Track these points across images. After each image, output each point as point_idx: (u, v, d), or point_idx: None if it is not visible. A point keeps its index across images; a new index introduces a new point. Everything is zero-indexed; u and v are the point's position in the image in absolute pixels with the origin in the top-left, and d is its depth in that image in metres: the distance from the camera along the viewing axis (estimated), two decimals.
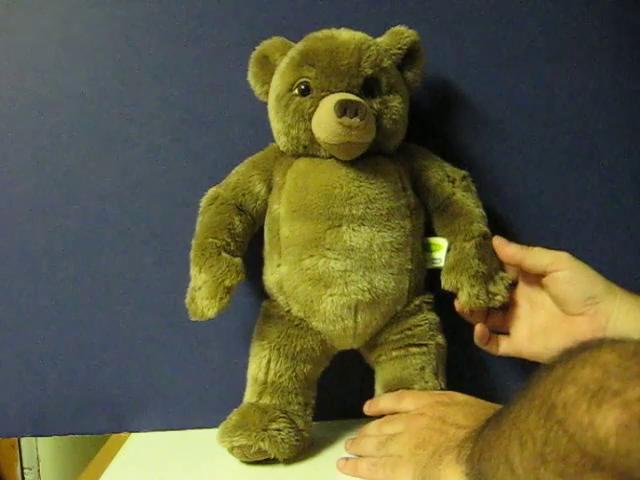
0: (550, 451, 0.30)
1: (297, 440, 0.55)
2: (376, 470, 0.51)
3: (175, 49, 0.65)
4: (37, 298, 0.66)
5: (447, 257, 0.58)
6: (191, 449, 0.61)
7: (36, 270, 0.65)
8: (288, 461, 0.55)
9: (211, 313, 0.53)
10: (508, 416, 0.35)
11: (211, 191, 0.58)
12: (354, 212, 0.54)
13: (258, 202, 0.58)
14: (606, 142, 0.67)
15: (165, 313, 0.65)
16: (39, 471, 0.99)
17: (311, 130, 0.54)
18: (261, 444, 0.53)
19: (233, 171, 0.59)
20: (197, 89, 0.65)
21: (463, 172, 0.61)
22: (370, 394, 0.61)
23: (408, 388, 0.57)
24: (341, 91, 0.53)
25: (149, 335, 0.66)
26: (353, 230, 0.54)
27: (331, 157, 0.55)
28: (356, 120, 0.50)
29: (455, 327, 0.60)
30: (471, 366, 0.66)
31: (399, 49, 0.57)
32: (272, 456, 0.54)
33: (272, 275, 0.57)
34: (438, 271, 0.59)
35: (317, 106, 0.54)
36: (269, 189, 0.58)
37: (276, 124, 0.57)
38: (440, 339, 0.59)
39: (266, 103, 0.59)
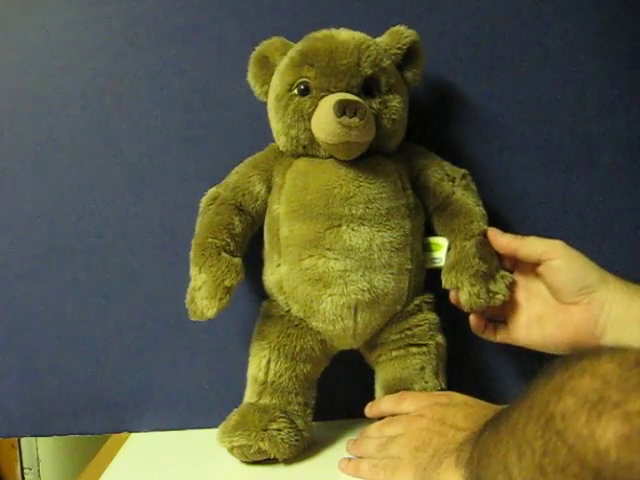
0: (549, 462, 0.30)
1: (297, 440, 0.55)
2: (377, 471, 0.51)
3: (175, 49, 0.65)
4: (37, 298, 0.66)
5: (447, 256, 0.58)
6: (191, 449, 0.61)
7: (36, 270, 0.66)
8: (288, 461, 0.55)
9: (211, 313, 0.53)
10: (507, 423, 0.35)
11: (211, 191, 0.59)
12: (354, 212, 0.54)
13: (258, 202, 0.58)
14: (606, 142, 0.67)
15: (165, 313, 0.65)
16: (39, 471, 0.99)
17: (310, 130, 0.54)
18: (261, 444, 0.53)
19: (233, 171, 0.60)
20: (197, 89, 0.65)
21: (463, 171, 0.61)
22: (370, 394, 0.61)
23: (408, 388, 0.57)
24: (340, 91, 0.53)
25: (149, 335, 0.66)
26: (353, 230, 0.54)
27: (331, 157, 0.55)
28: (355, 120, 0.50)
29: (455, 326, 0.60)
30: (471, 365, 0.67)
31: (399, 49, 0.57)
32: (272, 456, 0.54)
33: (272, 275, 0.57)
34: (438, 271, 0.59)
35: (316, 106, 0.54)
36: (269, 189, 0.58)
37: (275, 124, 0.57)
38: (440, 339, 0.59)
39: (266, 103, 0.59)
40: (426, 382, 0.57)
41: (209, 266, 0.54)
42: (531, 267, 0.57)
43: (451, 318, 0.59)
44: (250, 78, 0.59)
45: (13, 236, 0.65)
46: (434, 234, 0.61)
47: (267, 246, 0.58)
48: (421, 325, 0.58)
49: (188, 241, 0.57)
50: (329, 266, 0.54)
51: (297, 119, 0.55)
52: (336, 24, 0.57)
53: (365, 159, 0.55)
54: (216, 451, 0.56)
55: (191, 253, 0.56)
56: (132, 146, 0.65)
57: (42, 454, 0.99)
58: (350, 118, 0.50)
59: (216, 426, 0.57)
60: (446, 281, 0.57)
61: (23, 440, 0.97)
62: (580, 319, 0.53)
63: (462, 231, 0.58)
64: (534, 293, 0.58)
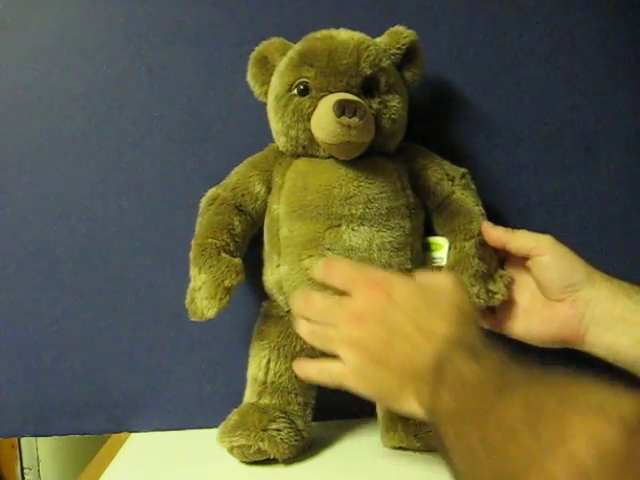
0: None
1: (296, 440, 0.55)
2: (312, 340, 0.50)
3: (175, 49, 0.65)
4: (37, 298, 0.66)
5: (448, 256, 0.59)
6: (191, 449, 0.61)
7: (36, 270, 0.66)
8: (288, 461, 0.55)
9: (211, 313, 0.53)
10: (469, 439, 0.34)
11: (210, 192, 0.59)
12: (353, 212, 0.54)
13: (257, 202, 0.58)
14: (606, 142, 0.67)
15: (165, 313, 0.66)
16: (39, 471, 0.99)
17: (310, 130, 0.54)
18: (260, 444, 0.53)
19: (233, 172, 0.60)
20: (197, 89, 0.65)
21: (462, 170, 0.61)
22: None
23: None
24: (340, 91, 0.53)
25: (149, 335, 0.66)
26: (352, 230, 0.54)
27: (330, 157, 0.56)
28: (355, 120, 0.50)
29: None
30: None
31: (398, 49, 0.58)
32: (271, 456, 0.54)
33: (272, 275, 0.57)
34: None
35: (316, 106, 0.54)
36: (268, 189, 0.59)
37: (275, 124, 0.57)
38: None
39: (265, 104, 0.59)
40: None
41: (209, 266, 0.54)
42: (521, 260, 0.57)
43: None
44: (250, 78, 0.59)
45: (13, 236, 0.65)
46: (434, 234, 0.61)
47: (267, 246, 0.58)
48: None
49: (188, 241, 0.57)
50: None
51: (297, 119, 0.55)
52: (336, 24, 0.57)
53: (365, 159, 0.55)
54: (216, 451, 0.56)
55: (191, 253, 0.56)
56: (132, 146, 0.65)
57: (42, 454, 0.99)
58: (350, 118, 0.50)
59: (216, 426, 0.57)
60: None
61: (23, 440, 0.97)
62: (565, 316, 0.53)
63: (462, 231, 0.58)
64: (523, 286, 0.58)
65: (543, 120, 0.67)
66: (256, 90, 0.59)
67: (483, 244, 0.57)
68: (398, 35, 0.58)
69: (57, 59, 0.65)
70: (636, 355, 0.51)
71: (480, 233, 0.58)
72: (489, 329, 0.59)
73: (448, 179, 0.60)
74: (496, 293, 0.56)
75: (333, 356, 0.48)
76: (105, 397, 0.66)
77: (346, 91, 0.53)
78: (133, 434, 0.66)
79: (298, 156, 0.57)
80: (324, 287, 0.50)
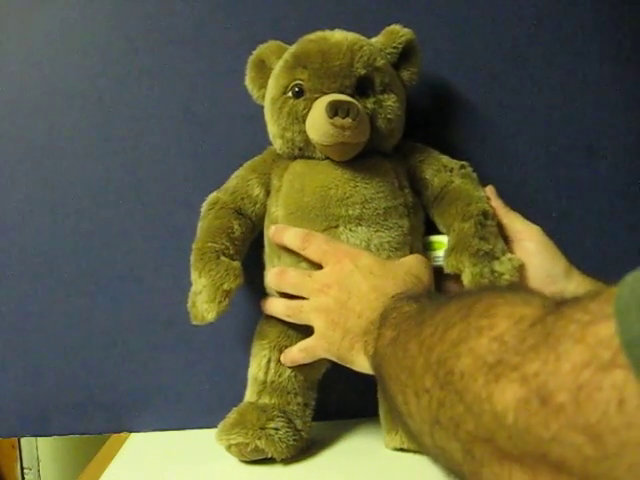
0: (445, 414, 0.30)
1: (295, 440, 0.55)
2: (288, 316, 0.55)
3: (175, 50, 0.65)
4: (37, 298, 0.66)
5: (448, 241, 0.57)
6: (191, 449, 0.61)
7: (36, 270, 0.66)
8: (285, 461, 0.55)
9: (211, 317, 0.54)
10: (405, 353, 0.36)
11: (211, 196, 0.59)
12: (350, 212, 0.54)
13: (257, 205, 0.59)
14: (608, 142, 0.67)
15: (165, 313, 0.66)
16: (39, 471, 0.99)
17: (305, 132, 0.54)
18: (258, 442, 0.53)
19: (232, 175, 0.60)
20: (197, 91, 0.66)
21: (461, 162, 0.60)
22: (370, 393, 0.60)
23: None
24: (334, 92, 0.53)
25: (149, 335, 0.66)
26: (350, 230, 0.54)
27: (327, 158, 0.56)
28: (348, 120, 0.50)
29: None
30: None
31: (394, 48, 0.58)
32: (269, 455, 0.54)
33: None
34: (439, 270, 0.58)
35: (310, 108, 0.54)
36: (267, 192, 0.59)
37: (271, 127, 0.58)
38: None
39: (264, 107, 0.59)
40: None
41: (208, 270, 0.54)
42: (508, 242, 0.58)
43: None
44: (248, 82, 0.60)
45: (13, 236, 0.66)
46: (436, 233, 0.60)
47: (267, 249, 0.59)
48: None
49: (188, 241, 0.57)
50: None
51: (292, 121, 0.55)
52: (333, 24, 0.58)
53: (361, 159, 0.55)
54: (216, 451, 0.56)
55: (191, 257, 0.56)
56: (132, 147, 0.66)
57: (42, 454, 0.99)
58: (343, 119, 0.50)
59: (216, 426, 0.57)
60: (447, 265, 0.56)
61: (23, 440, 0.97)
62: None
63: (459, 214, 0.57)
64: None
65: (545, 120, 0.67)
66: (254, 94, 0.60)
67: (484, 225, 0.56)
68: (394, 34, 0.58)
69: (57, 59, 0.65)
70: None
71: (480, 213, 0.56)
72: None
73: (446, 170, 0.59)
74: (503, 274, 0.54)
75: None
76: (105, 397, 0.66)
77: (340, 92, 0.53)
78: (133, 434, 0.66)
79: (295, 158, 0.57)
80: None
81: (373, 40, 0.58)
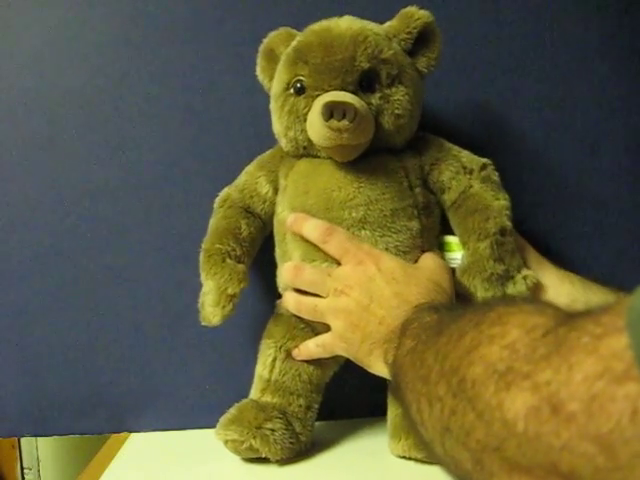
0: (456, 422, 0.31)
1: (291, 443, 0.54)
2: (299, 310, 0.55)
3: (175, 48, 0.65)
4: (37, 298, 0.66)
5: (462, 258, 0.56)
6: (191, 449, 0.61)
7: (36, 270, 0.66)
8: (286, 462, 0.55)
9: (216, 320, 0.54)
10: (422, 363, 0.36)
11: (223, 192, 0.58)
12: (354, 215, 0.52)
13: (266, 204, 0.58)
14: (606, 142, 0.67)
15: (165, 313, 0.66)
16: (39, 471, 0.99)
17: (307, 130, 0.53)
18: (252, 441, 0.53)
19: (243, 171, 0.59)
20: (198, 88, 0.66)
21: (483, 160, 0.57)
22: (375, 393, 0.60)
23: None
24: (335, 89, 0.51)
25: (149, 335, 0.66)
26: (353, 234, 0.53)
27: (331, 157, 0.54)
28: (344, 123, 0.48)
29: None
30: None
31: (408, 33, 0.54)
32: (263, 455, 0.54)
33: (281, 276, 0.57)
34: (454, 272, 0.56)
35: (311, 106, 0.52)
36: (276, 190, 0.58)
37: (275, 124, 0.56)
38: None
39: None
40: None
41: (213, 273, 0.54)
42: None
43: None
44: (259, 72, 0.58)
45: (13, 236, 0.66)
46: (452, 232, 0.58)
47: (278, 249, 0.58)
48: None
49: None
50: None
51: (293, 120, 0.53)
52: (343, 9, 0.55)
53: (367, 158, 0.53)
54: (216, 451, 0.56)
55: (200, 258, 0.56)
56: (132, 146, 0.66)
57: (42, 454, 0.99)
58: (339, 121, 0.48)
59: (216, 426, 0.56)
60: (458, 286, 0.54)
61: (23, 440, 0.97)
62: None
63: (476, 231, 0.54)
64: None
65: (546, 120, 0.67)
66: (265, 84, 0.58)
67: (500, 243, 0.54)
68: (409, 17, 0.54)
69: (57, 59, 0.65)
70: None
71: (498, 231, 0.54)
72: None
73: (465, 172, 0.56)
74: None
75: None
76: (105, 397, 0.66)
77: (342, 89, 0.51)
78: (133, 434, 0.66)
79: (301, 157, 0.56)
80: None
81: (386, 25, 0.55)
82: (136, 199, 0.66)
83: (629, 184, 0.68)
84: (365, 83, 0.52)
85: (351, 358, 0.53)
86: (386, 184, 0.53)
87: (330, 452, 0.58)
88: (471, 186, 0.56)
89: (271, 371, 0.56)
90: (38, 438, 0.94)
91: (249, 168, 0.59)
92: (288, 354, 0.56)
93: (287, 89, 0.54)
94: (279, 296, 0.59)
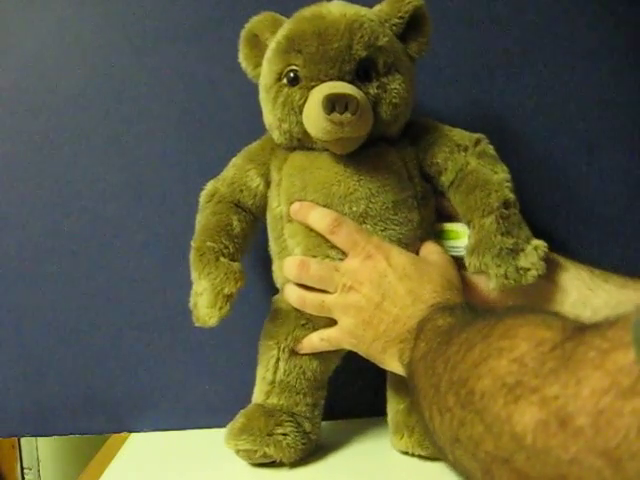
0: (465, 433, 0.31)
1: (303, 444, 0.54)
2: (304, 306, 0.54)
3: (175, 47, 0.65)
4: (37, 298, 0.66)
5: (468, 238, 0.54)
6: (191, 449, 0.62)
7: (36, 270, 0.66)
8: (301, 461, 0.55)
9: (212, 322, 0.52)
10: (433, 371, 0.37)
11: (209, 186, 0.57)
12: (354, 209, 0.51)
13: (257, 197, 0.56)
14: (608, 143, 0.67)
15: (165, 313, 0.66)
16: (39, 471, 0.99)
17: (303, 123, 0.51)
18: (266, 449, 0.52)
19: (230, 163, 0.58)
20: (196, 87, 0.66)
21: (477, 136, 0.56)
22: (378, 393, 0.60)
23: None
24: (332, 79, 0.49)
25: (149, 335, 0.66)
26: None
27: (327, 149, 0.53)
28: (347, 116, 0.47)
29: None
30: None
31: (400, 18, 0.52)
32: (278, 460, 0.54)
33: (281, 271, 0.56)
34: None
35: (307, 97, 0.50)
36: (267, 184, 0.56)
37: (267, 117, 0.54)
38: None
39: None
40: None
41: (207, 273, 0.52)
42: None
43: None
44: (242, 59, 0.56)
45: (13, 236, 0.66)
46: (449, 220, 0.57)
47: (273, 245, 0.57)
48: None
49: (189, 241, 0.56)
50: None
51: (288, 112, 0.51)
52: None
53: (365, 150, 0.52)
54: (216, 451, 0.56)
55: (190, 256, 0.54)
56: (131, 145, 0.66)
57: (42, 454, 0.99)
58: (341, 114, 0.46)
59: (216, 426, 0.57)
60: (469, 265, 0.53)
61: (23, 440, 0.97)
62: (482, 290, 0.54)
63: (479, 208, 0.53)
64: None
65: (545, 120, 0.67)
66: (249, 72, 0.56)
67: (506, 216, 0.52)
68: (400, 2, 0.52)
69: (56, 58, 0.65)
70: None
71: (501, 204, 0.52)
72: None
73: (460, 150, 0.55)
74: (529, 269, 0.51)
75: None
76: (105, 397, 0.66)
77: (339, 78, 0.49)
78: (133, 434, 0.66)
79: (294, 149, 0.54)
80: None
81: (376, 9, 0.53)
82: (136, 198, 0.66)
83: (628, 184, 0.68)
84: (362, 72, 0.50)
85: (360, 353, 0.52)
86: (386, 176, 0.52)
87: (330, 452, 0.58)
88: (468, 163, 0.54)
89: (275, 372, 0.56)
90: (38, 438, 0.94)
91: (237, 160, 0.57)
92: (291, 354, 0.56)
93: (279, 79, 0.52)
94: (274, 293, 0.59)
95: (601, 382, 0.24)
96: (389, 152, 0.54)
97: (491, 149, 0.56)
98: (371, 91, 0.51)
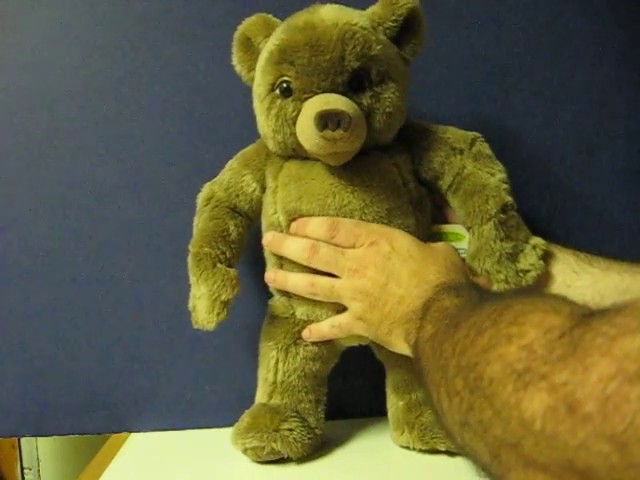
0: (473, 416, 0.32)
1: (309, 439, 0.55)
2: (315, 294, 0.54)
3: (175, 47, 0.65)
4: (37, 298, 0.66)
5: (468, 243, 0.55)
6: (191, 449, 0.62)
7: (36, 270, 0.66)
8: (302, 460, 0.55)
9: (210, 327, 0.53)
10: (440, 354, 0.37)
11: (206, 189, 0.57)
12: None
13: (253, 202, 0.57)
14: (608, 143, 0.67)
15: (165, 313, 0.66)
16: (39, 471, 0.99)
17: (297, 135, 0.51)
18: (273, 445, 0.53)
19: (226, 167, 0.58)
20: (196, 88, 0.66)
21: (471, 135, 0.56)
22: (379, 393, 0.61)
23: (416, 390, 0.57)
24: (325, 91, 0.49)
25: (149, 335, 0.66)
26: None
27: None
28: (339, 132, 0.47)
29: None
30: None
31: (394, 21, 0.52)
32: (285, 456, 0.54)
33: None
34: None
35: (300, 109, 0.50)
36: (263, 189, 0.57)
37: (262, 126, 0.55)
38: None
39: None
40: None
41: (205, 279, 0.53)
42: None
43: None
44: (236, 62, 0.56)
45: (13, 236, 0.66)
46: (442, 221, 0.58)
47: (267, 250, 0.57)
48: None
49: (188, 241, 0.56)
50: None
51: (281, 124, 0.51)
52: None
53: (359, 159, 0.52)
54: (216, 451, 0.56)
55: (188, 260, 0.55)
56: (131, 145, 0.66)
57: (42, 454, 0.99)
58: (333, 131, 0.46)
59: (216, 426, 0.57)
60: (470, 270, 0.54)
61: (23, 440, 0.97)
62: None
63: (478, 214, 0.54)
64: None
65: (546, 121, 0.67)
66: (244, 75, 0.56)
67: (504, 221, 0.53)
68: (394, 4, 0.52)
69: (56, 59, 0.65)
70: None
71: (500, 209, 0.53)
72: None
73: (455, 153, 0.55)
74: (528, 271, 0.52)
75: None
76: (105, 397, 0.66)
77: (332, 90, 0.49)
78: (133, 434, 0.66)
79: (289, 157, 0.55)
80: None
81: (369, 11, 0.53)
82: (137, 199, 0.66)
83: (628, 184, 0.68)
84: (355, 83, 0.50)
85: (370, 337, 0.53)
86: (381, 184, 0.53)
87: (337, 450, 0.58)
88: (464, 167, 0.55)
89: (275, 373, 0.56)
90: (38, 438, 0.94)
91: (233, 164, 0.58)
92: (290, 354, 0.56)
93: (272, 90, 0.52)
94: (271, 295, 0.59)
95: (608, 368, 0.25)
96: (383, 160, 0.54)
97: (487, 148, 0.56)
98: (364, 102, 0.51)
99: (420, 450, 0.56)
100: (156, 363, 0.66)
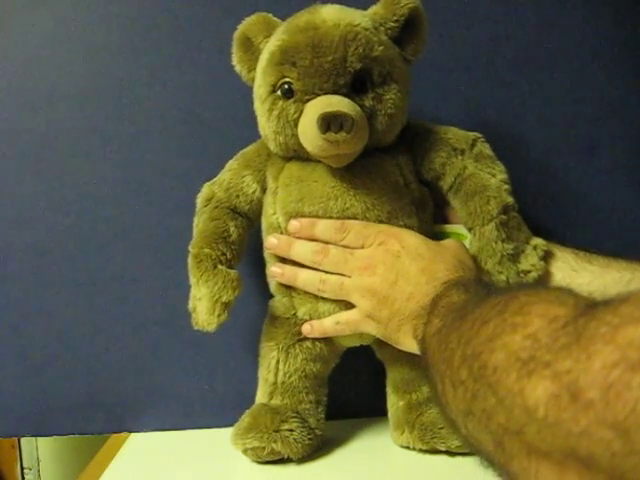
0: (478, 406, 0.32)
1: (310, 439, 0.55)
2: (324, 291, 0.54)
3: (175, 48, 0.66)
4: (37, 298, 0.66)
5: (470, 244, 0.56)
6: (191, 449, 0.62)
7: (36, 270, 0.66)
8: (302, 460, 0.55)
9: (211, 328, 0.53)
10: (446, 346, 0.37)
11: (206, 189, 0.57)
12: None
13: (253, 203, 0.57)
14: (610, 143, 0.67)
15: (165, 313, 0.66)
16: (39, 471, 0.99)
17: (298, 136, 0.51)
18: (274, 445, 0.53)
19: (226, 167, 0.58)
20: (196, 88, 0.66)
21: (472, 136, 0.56)
22: (379, 393, 0.61)
23: (416, 390, 0.57)
24: (327, 92, 0.49)
25: (149, 335, 0.66)
26: None
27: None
28: (342, 134, 0.46)
29: None
30: None
31: (395, 21, 0.51)
32: (286, 456, 0.54)
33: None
34: None
35: (302, 111, 0.50)
36: (263, 190, 0.57)
37: (263, 127, 0.54)
38: None
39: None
40: None
41: (205, 280, 0.53)
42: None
43: None
44: (236, 62, 0.55)
45: (13, 235, 0.66)
46: (447, 221, 0.59)
47: (266, 251, 0.57)
48: None
49: (188, 241, 0.56)
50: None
51: (283, 125, 0.51)
52: None
53: (360, 161, 0.52)
54: (216, 451, 0.56)
55: (188, 261, 0.55)
56: (131, 145, 0.66)
57: (42, 454, 0.99)
58: (336, 133, 0.46)
59: (216, 426, 0.57)
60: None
61: (23, 440, 0.97)
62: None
63: (479, 215, 0.54)
64: None
65: (547, 121, 0.67)
66: (244, 75, 0.56)
67: (505, 222, 0.54)
68: (395, 4, 0.51)
69: (56, 59, 0.65)
70: None
71: (501, 210, 0.54)
72: None
73: (456, 154, 0.55)
74: (529, 272, 0.53)
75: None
76: (105, 397, 0.66)
77: (334, 92, 0.49)
78: (133, 434, 0.66)
79: (290, 158, 0.55)
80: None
81: (371, 11, 0.52)
82: (136, 199, 0.66)
83: (628, 184, 0.68)
84: (357, 84, 0.50)
85: (379, 336, 0.53)
86: (383, 186, 0.53)
87: (337, 450, 0.58)
88: (465, 167, 0.55)
89: (276, 374, 0.56)
90: (38, 438, 0.94)
91: (233, 164, 0.58)
92: (290, 354, 0.56)
93: (274, 91, 0.52)
94: (271, 296, 0.59)
95: (611, 356, 0.25)
96: (384, 161, 0.54)
97: (487, 148, 0.56)
98: (366, 103, 0.50)
99: (420, 450, 0.56)
100: (156, 363, 0.67)
